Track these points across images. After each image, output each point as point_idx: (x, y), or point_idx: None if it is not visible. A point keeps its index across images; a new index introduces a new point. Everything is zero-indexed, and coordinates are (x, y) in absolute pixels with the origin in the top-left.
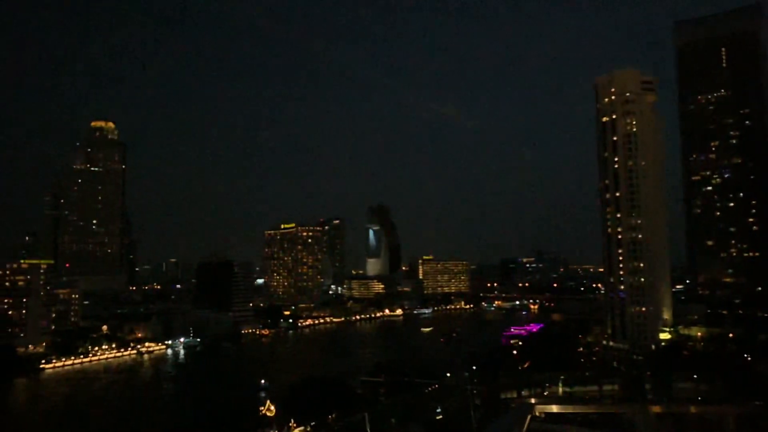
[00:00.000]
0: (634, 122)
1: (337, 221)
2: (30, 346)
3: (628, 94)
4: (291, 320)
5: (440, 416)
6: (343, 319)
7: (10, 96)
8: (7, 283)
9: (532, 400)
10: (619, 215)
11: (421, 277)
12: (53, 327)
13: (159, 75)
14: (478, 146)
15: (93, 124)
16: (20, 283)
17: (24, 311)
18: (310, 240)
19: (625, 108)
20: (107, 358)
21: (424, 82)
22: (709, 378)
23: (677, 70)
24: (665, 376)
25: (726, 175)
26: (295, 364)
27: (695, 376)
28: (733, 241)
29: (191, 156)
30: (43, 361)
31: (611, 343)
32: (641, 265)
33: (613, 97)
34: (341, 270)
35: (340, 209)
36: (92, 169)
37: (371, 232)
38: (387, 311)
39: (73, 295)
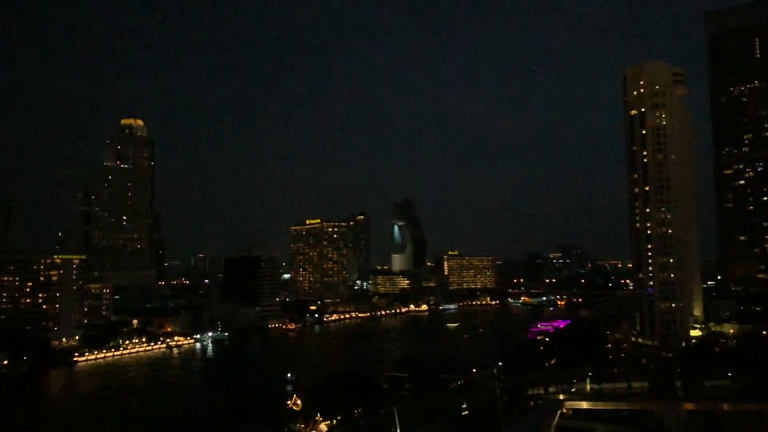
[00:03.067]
0: (663, 115)
1: (362, 216)
2: (63, 339)
3: (657, 87)
4: (317, 315)
5: (466, 412)
6: (368, 314)
7: (43, 95)
8: (41, 278)
9: (561, 396)
10: (648, 210)
11: (446, 272)
12: (85, 321)
13: (186, 72)
14: (504, 140)
15: (122, 122)
16: (54, 277)
17: (58, 305)
18: (335, 235)
19: (654, 101)
20: (137, 352)
21: (448, 75)
22: (742, 375)
23: (708, 61)
24: (696, 373)
25: (759, 169)
26: (321, 359)
27: (729, 374)
28: (766, 236)
29: (218, 153)
30: (76, 354)
31: (640, 340)
32: (671, 260)
33: (642, 90)
34: (366, 265)
35: (365, 205)
36: (122, 166)
37: (396, 228)
38: (412, 306)
39: (105, 290)
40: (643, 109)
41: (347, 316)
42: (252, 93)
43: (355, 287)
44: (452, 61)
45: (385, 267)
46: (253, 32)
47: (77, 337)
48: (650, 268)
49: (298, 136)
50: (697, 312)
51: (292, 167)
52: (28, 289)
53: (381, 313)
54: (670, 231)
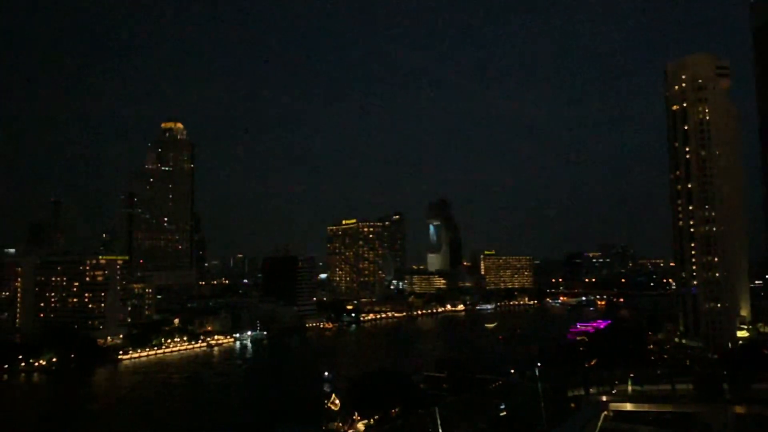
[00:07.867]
0: (706, 110)
1: (397, 216)
2: (108, 337)
3: (700, 81)
4: (353, 314)
5: (504, 413)
6: (404, 314)
7: (89, 101)
8: (87, 278)
9: (604, 398)
10: (691, 207)
11: (482, 272)
12: (129, 320)
13: (226, 76)
14: (542, 137)
15: (163, 125)
16: (99, 278)
17: (103, 305)
18: (371, 235)
19: (697, 95)
20: (179, 350)
21: (485, 74)
22: None
23: (754, 52)
24: (744, 376)
25: None
26: (358, 358)
27: None
28: None
29: (256, 154)
30: (121, 352)
31: (683, 341)
32: (715, 259)
33: (684, 84)
34: (402, 265)
35: (401, 204)
36: (163, 168)
37: (432, 227)
38: (448, 306)
39: (147, 290)
40: (684, 104)
41: (383, 315)
42: (289, 95)
43: (391, 287)
44: (490, 59)
45: (421, 267)
46: (291, 35)
47: (121, 336)
48: (694, 268)
49: (335, 137)
50: (744, 312)
51: (329, 168)
52: (75, 289)
53: (417, 313)
54: (714, 229)
